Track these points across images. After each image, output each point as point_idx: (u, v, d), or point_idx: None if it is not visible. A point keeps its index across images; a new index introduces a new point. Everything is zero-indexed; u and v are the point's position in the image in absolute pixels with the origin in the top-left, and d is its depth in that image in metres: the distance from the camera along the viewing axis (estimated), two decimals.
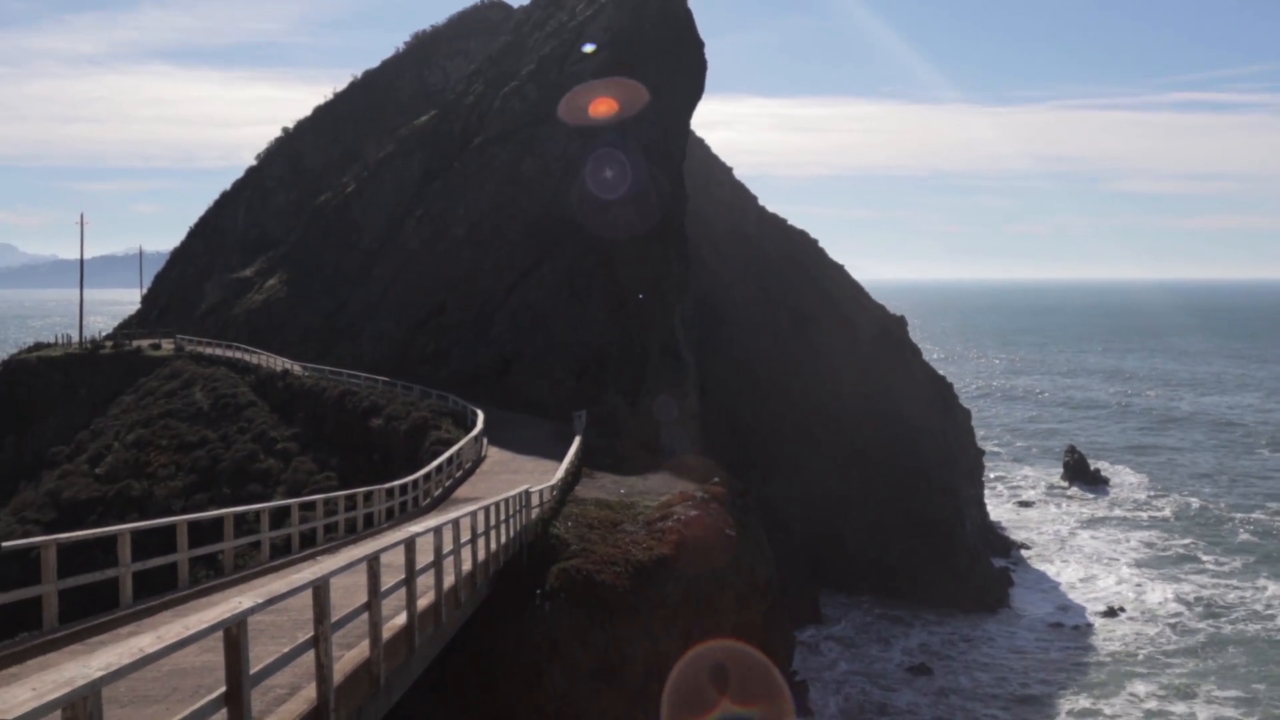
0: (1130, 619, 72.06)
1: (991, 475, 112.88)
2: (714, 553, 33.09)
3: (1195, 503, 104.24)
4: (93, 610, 18.33)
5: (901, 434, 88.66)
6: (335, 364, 69.20)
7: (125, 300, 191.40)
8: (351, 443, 56.51)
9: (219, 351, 77.12)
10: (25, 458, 73.74)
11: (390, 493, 34.70)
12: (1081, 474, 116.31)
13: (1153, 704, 57.39)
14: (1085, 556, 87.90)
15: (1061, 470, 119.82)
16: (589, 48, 79.22)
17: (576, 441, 45.33)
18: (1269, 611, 72.42)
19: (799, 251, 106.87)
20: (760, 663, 33.14)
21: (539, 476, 38.85)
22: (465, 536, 22.04)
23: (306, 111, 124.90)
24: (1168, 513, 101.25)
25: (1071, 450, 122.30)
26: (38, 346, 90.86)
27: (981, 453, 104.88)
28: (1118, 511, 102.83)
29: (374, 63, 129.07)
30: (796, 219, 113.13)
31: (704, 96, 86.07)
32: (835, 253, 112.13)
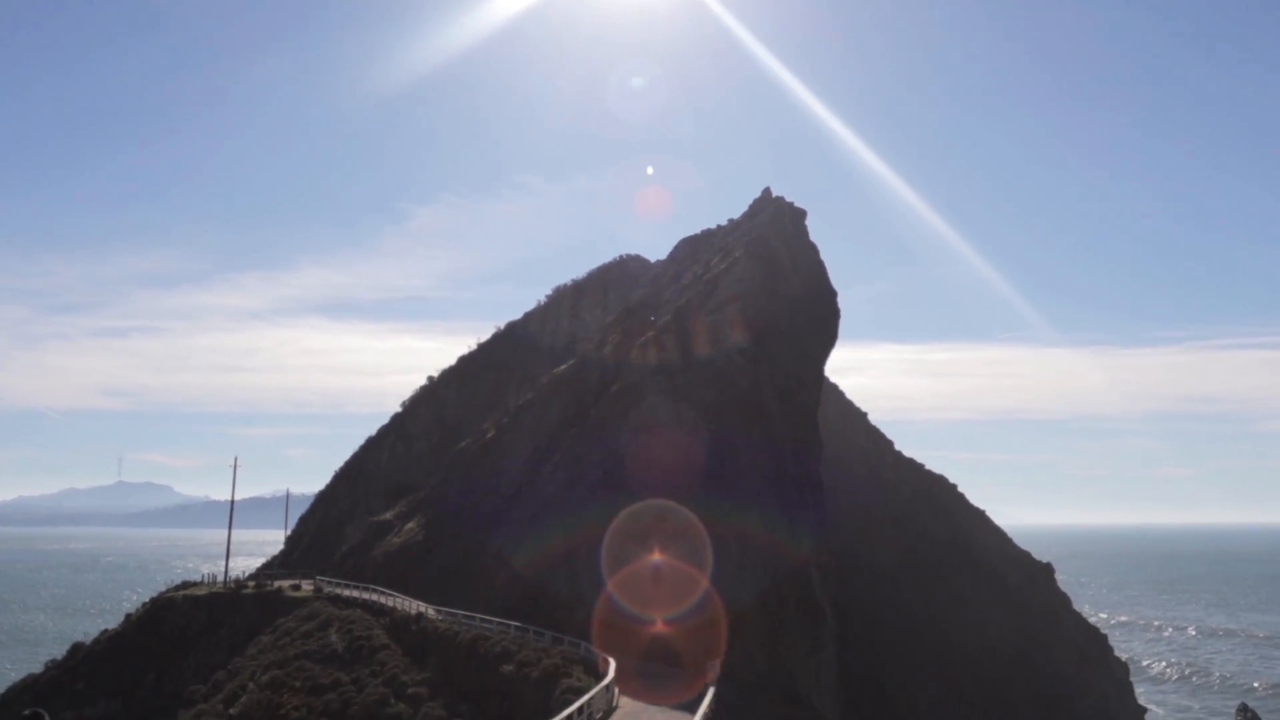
0: None
1: None
2: None
3: None
4: None
5: (1054, 688, 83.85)
6: (469, 607, 69.21)
7: (271, 540, 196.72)
8: (482, 689, 55.78)
9: (356, 593, 78.06)
10: (164, 695, 74.68)
11: None
12: None
13: None
14: None
15: None
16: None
17: (710, 693, 43.98)
18: None
19: (938, 496, 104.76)
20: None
21: None
22: None
23: (450, 361, 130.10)
24: None
25: (1244, 709, 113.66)
26: (185, 585, 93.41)
27: (1143, 711, 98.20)
28: None
29: (516, 315, 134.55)
30: (934, 463, 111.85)
31: (837, 342, 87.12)
32: (976, 497, 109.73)
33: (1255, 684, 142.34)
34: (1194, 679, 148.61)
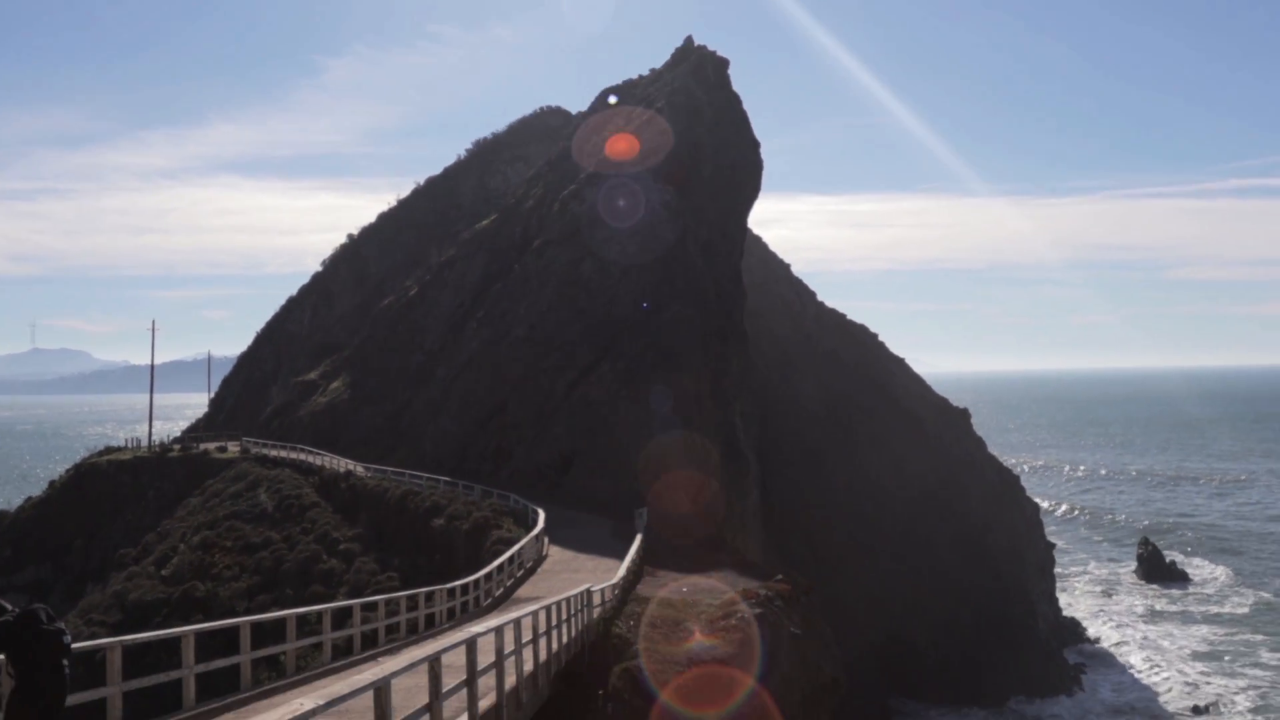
0: (1205, 715, 69.56)
1: (1063, 568, 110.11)
2: (779, 652, 32.50)
3: (1277, 599, 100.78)
4: (157, 712, 18.35)
5: (969, 529, 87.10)
6: (398, 464, 69.67)
7: (194, 404, 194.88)
8: (413, 543, 56.60)
9: (283, 454, 78.01)
10: (93, 560, 74.74)
11: (452, 593, 34.57)
12: (1157, 567, 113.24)
13: None
14: (1162, 652, 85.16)
15: (1135, 564, 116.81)
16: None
17: (637, 540, 45.01)
18: None
19: (860, 345, 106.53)
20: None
21: (600, 575, 38.57)
22: (527, 636, 21.85)
23: (370, 218, 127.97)
24: (1245, 609, 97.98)
25: (1145, 542, 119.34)
26: (108, 450, 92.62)
27: (1052, 546, 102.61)
28: (1193, 606, 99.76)
29: (435, 170, 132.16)
30: (856, 313, 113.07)
31: (760, 194, 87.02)
32: (896, 346, 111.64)
33: (1156, 519, 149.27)
34: (1100, 516, 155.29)
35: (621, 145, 74.64)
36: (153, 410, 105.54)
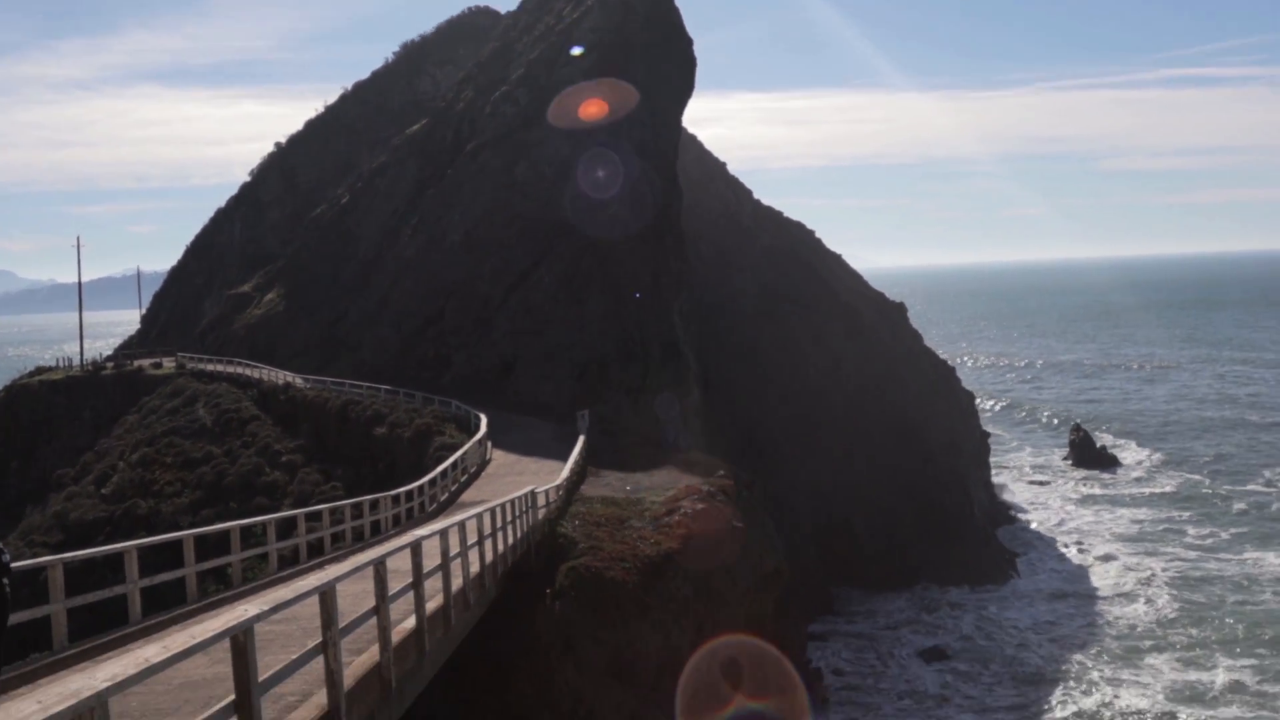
0: (1134, 592, 72.10)
1: (998, 457, 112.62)
2: (722, 545, 33.11)
3: (1201, 479, 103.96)
4: (103, 629, 18.35)
5: (906, 420, 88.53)
6: (337, 374, 69.21)
7: (125, 321, 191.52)
8: (356, 452, 56.57)
9: (220, 367, 77.19)
10: (30, 481, 73.84)
11: (396, 499, 34.71)
12: (1088, 453, 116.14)
13: (1174, 674, 57.40)
14: (1090, 533, 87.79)
15: (1068, 449, 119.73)
16: (577, 50, 79.52)
17: (580, 441, 45.33)
18: (1264, 582, 72.41)
19: (796, 242, 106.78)
20: (773, 656, 32.65)
21: (544, 477, 38.85)
22: (472, 539, 22.04)
23: (298, 126, 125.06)
24: (1171, 488, 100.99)
25: (1077, 429, 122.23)
26: (39, 370, 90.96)
27: (986, 434, 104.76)
28: (1123, 489, 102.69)
29: (363, 74, 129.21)
30: (792, 210, 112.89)
31: (694, 93, 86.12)
32: (832, 242, 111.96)
33: (1087, 406, 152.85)
34: (1033, 405, 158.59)
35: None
36: (83, 328, 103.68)
